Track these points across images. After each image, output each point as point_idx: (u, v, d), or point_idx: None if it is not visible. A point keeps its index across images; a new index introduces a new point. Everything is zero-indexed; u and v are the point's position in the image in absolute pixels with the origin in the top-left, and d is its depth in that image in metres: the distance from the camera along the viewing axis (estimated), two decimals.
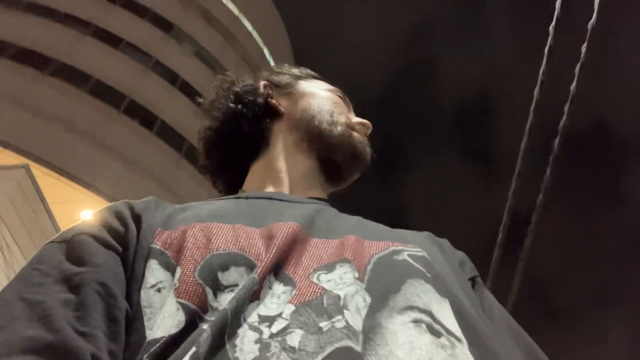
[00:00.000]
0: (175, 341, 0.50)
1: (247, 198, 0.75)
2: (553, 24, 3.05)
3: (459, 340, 0.52)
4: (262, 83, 0.92)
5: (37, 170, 9.49)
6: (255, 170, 0.86)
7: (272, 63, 20.09)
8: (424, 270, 0.59)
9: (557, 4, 2.97)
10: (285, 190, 0.80)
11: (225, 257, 0.56)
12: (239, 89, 0.90)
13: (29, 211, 7.44)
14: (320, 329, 0.48)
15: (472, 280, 0.70)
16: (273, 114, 0.88)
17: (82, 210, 11.49)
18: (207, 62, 16.20)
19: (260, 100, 0.88)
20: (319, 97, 0.90)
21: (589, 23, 2.95)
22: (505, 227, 4.11)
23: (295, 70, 0.96)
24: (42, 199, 7.81)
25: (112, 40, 13.86)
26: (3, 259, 6.42)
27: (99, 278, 0.54)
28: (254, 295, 0.52)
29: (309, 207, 0.71)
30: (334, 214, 0.73)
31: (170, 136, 13.63)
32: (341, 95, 0.93)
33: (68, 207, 10.61)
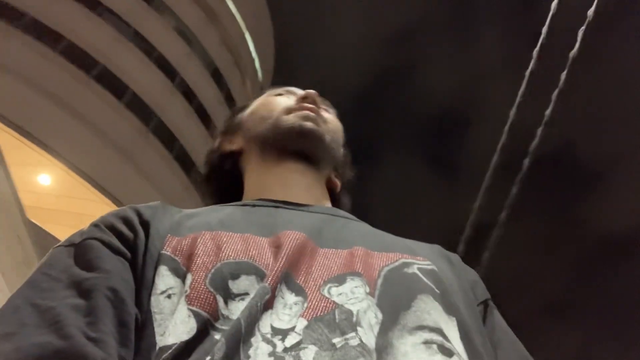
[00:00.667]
0: (187, 348, 0.50)
1: (254, 206, 0.75)
2: (537, 49, 3.13)
3: None
4: (217, 141, 0.95)
5: None
6: (246, 191, 0.87)
7: (252, 48, 19.89)
8: (433, 285, 0.60)
9: (543, 30, 3.06)
10: (289, 197, 0.79)
11: (235, 265, 0.57)
12: (207, 159, 0.95)
13: None
14: (333, 345, 0.49)
15: (484, 303, 0.69)
16: (235, 156, 0.90)
17: (40, 174, 11.16)
18: (186, 38, 15.90)
19: (216, 158, 0.93)
20: (255, 110, 0.91)
21: (571, 52, 3.05)
22: (467, 238, 4.22)
23: (238, 108, 0.98)
24: (1, 158, 7.54)
25: (91, 3, 13.44)
26: None
27: (109, 283, 0.54)
28: (267, 304, 0.53)
29: (316, 216, 0.71)
30: (342, 223, 0.72)
31: (139, 109, 13.34)
32: (281, 92, 0.93)
33: (27, 169, 10.29)
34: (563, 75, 3.08)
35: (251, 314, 0.51)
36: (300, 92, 0.90)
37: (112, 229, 0.61)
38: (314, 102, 0.87)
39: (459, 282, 0.68)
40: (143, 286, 0.57)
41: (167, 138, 14.09)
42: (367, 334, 0.51)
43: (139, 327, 0.54)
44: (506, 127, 3.27)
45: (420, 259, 0.64)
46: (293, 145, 0.83)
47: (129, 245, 0.60)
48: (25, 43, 11.60)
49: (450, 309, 0.58)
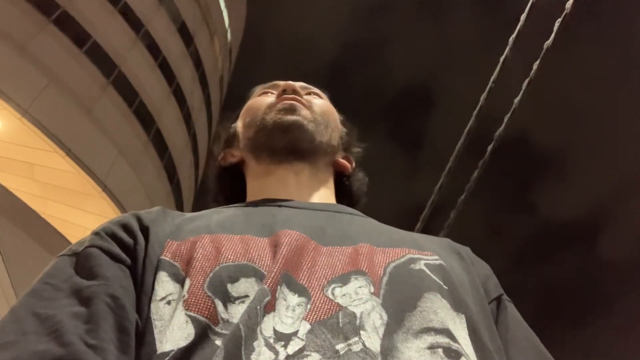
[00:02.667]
0: (185, 354, 0.49)
1: (256, 206, 0.74)
2: (513, 36, 3.13)
3: None
4: (220, 156, 0.93)
5: None
6: (249, 192, 0.86)
7: (222, 6, 19.29)
8: (441, 282, 0.58)
9: (522, 17, 3.05)
10: (290, 196, 0.78)
11: (234, 268, 0.56)
12: (212, 176, 0.94)
13: None
14: (336, 352, 0.48)
15: (497, 299, 0.67)
16: (237, 169, 0.89)
17: None
18: None
19: (221, 172, 0.91)
20: (243, 116, 0.89)
21: (546, 43, 3.06)
22: (425, 218, 4.28)
23: (229, 118, 0.96)
24: None
25: None
26: None
27: (109, 291, 0.54)
28: (269, 306, 0.51)
29: (319, 214, 0.70)
30: (346, 220, 0.71)
31: (100, 58, 12.83)
32: (267, 90, 0.91)
33: None
34: (535, 65, 3.09)
35: (251, 318, 0.50)
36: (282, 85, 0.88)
37: (113, 237, 0.61)
38: (294, 93, 0.84)
39: (469, 277, 0.66)
40: (143, 292, 0.56)
41: (128, 92, 13.64)
42: (372, 337, 0.49)
43: (139, 334, 0.53)
44: (475, 111, 3.27)
45: (428, 254, 0.62)
46: (277, 142, 0.81)
47: (129, 252, 0.60)
48: None
49: (458, 305, 0.57)
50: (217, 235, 0.62)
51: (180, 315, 0.52)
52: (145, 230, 0.63)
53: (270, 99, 0.87)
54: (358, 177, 0.92)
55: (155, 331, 0.53)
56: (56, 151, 11.10)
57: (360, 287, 0.55)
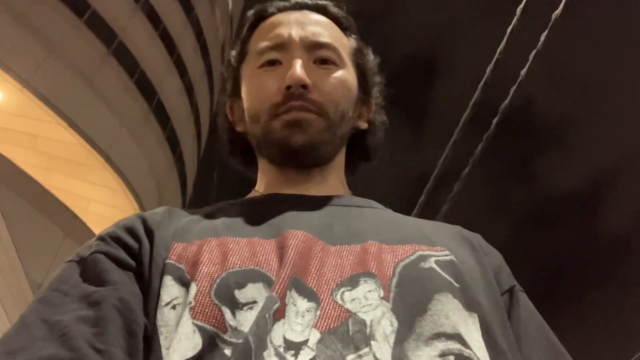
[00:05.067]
0: None
1: (263, 203, 0.72)
2: (521, 6, 3.08)
3: None
4: (227, 109, 0.81)
5: None
6: (260, 174, 0.79)
7: None
8: (452, 279, 0.57)
9: None
10: (296, 191, 0.72)
11: (241, 274, 0.55)
12: (222, 134, 0.84)
13: None
14: None
15: (510, 291, 0.65)
16: (246, 135, 0.78)
17: None
18: None
19: (229, 134, 0.81)
20: (246, 95, 0.76)
21: (554, 12, 3.01)
22: (429, 190, 4.29)
23: (240, 47, 0.81)
24: None
25: None
26: None
27: (118, 295, 0.54)
28: (278, 313, 0.51)
29: (327, 210, 0.68)
30: (355, 214, 0.68)
31: (101, 29, 12.68)
32: (268, 57, 0.74)
33: None
34: (543, 36, 3.05)
35: (259, 328, 0.49)
36: (289, 71, 0.71)
37: (118, 241, 0.60)
38: (303, 88, 0.70)
39: (481, 270, 0.64)
40: (150, 297, 0.56)
41: (129, 62, 13.52)
42: (382, 347, 0.49)
43: (147, 339, 0.53)
44: (481, 84, 3.24)
45: (438, 249, 0.61)
46: (285, 161, 0.73)
47: (135, 257, 0.59)
48: None
49: (470, 304, 0.56)
50: (224, 239, 0.60)
51: (187, 324, 0.51)
52: (150, 234, 0.61)
53: (273, 85, 0.72)
54: (374, 129, 0.81)
55: (161, 337, 0.52)
56: (58, 122, 11.08)
57: (369, 291, 0.54)
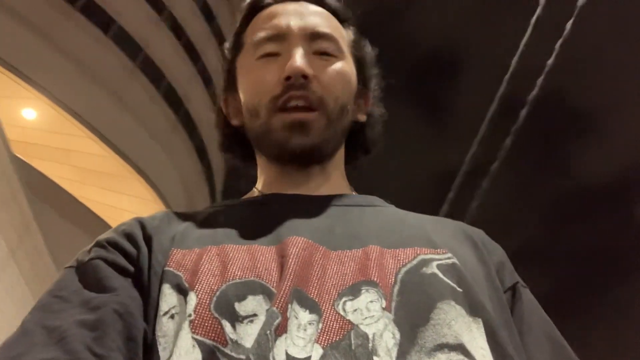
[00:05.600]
0: None
1: (263, 204, 0.70)
2: None
3: None
4: (222, 101, 0.78)
5: None
6: (260, 171, 0.78)
7: None
8: (455, 284, 0.56)
9: None
10: (296, 190, 0.71)
11: (241, 286, 0.54)
12: (217, 127, 0.81)
13: None
14: None
15: (512, 288, 0.64)
16: (242, 130, 0.76)
17: (24, 108, 10.91)
18: None
19: (224, 128, 0.79)
20: (243, 88, 0.73)
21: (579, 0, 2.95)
22: (457, 186, 4.24)
23: (234, 39, 0.78)
24: None
25: None
26: None
27: (117, 300, 0.54)
28: (280, 328, 0.50)
29: (328, 211, 0.66)
30: (357, 214, 0.67)
31: (126, 43, 12.94)
32: (267, 49, 0.72)
33: (10, 102, 10.04)
34: (569, 25, 2.99)
35: (261, 345, 0.49)
36: (289, 61, 0.68)
37: (117, 247, 0.60)
38: (303, 78, 0.67)
39: (485, 269, 0.63)
40: (149, 304, 0.56)
41: (155, 75, 13.75)
42: None
43: (147, 345, 0.53)
44: (507, 76, 3.20)
45: (440, 252, 0.59)
46: (286, 160, 0.71)
47: (134, 263, 0.59)
48: None
49: (474, 309, 0.55)
50: (224, 247, 0.59)
51: (187, 338, 0.50)
52: (148, 239, 0.61)
53: (272, 77, 0.69)
54: (373, 121, 0.79)
55: (160, 348, 0.52)
56: (89, 136, 11.36)
57: (371, 301, 0.53)
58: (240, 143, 0.77)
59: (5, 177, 7.46)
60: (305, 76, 0.67)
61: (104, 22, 12.53)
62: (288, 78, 0.67)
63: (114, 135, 11.76)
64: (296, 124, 0.67)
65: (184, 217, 0.67)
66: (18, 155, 8.54)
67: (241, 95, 0.74)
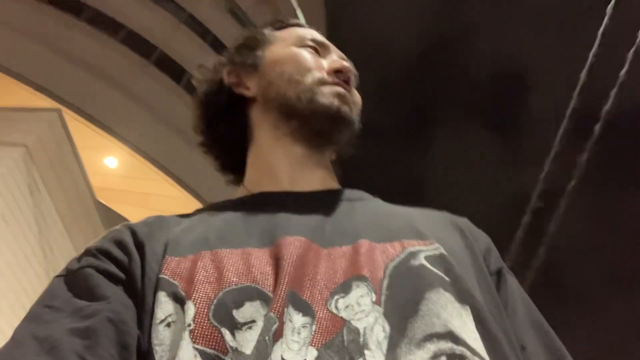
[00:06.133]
0: None
1: (253, 205, 0.70)
2: (612, 4, 2.94)
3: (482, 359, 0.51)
4: (225, 71, 0.82)
5: (68, 114, 9.63)
6: (250, 163, 0.80)
7: (302, 20, 19.71)
8: (443, 274, 0.57)
9: None
10: (286, 184, 0.73)
11: (237, 292, 0.54)
12: (205, 89, 0.84)
13: (58, 153, 7.58)
14: None
15: (497, 273, 0.66)
16: (244, 102, 0.80)
17: (106, 157, 11.66)
18: (239, 19, 16.03)
19: (223, 96, 0.81)
20: (282, 62, 0.78)
21: None
22: (532, 209, 4.07)
23: (262, 33, 0.85)
24: (71, 143, 7.93)
25: None
26: (32, 200, 6.57)
27: (110, 307, 0.54)
28: (277, 334, 0.50)
29: (318, 207, 0.67)
30: (346, 209, 0.68)
31: (194, 90, 13.61)
32: (311, 43, 0.80)
33: (94, 152, 10.78)
34: None
35: (260, 352, 0.49)
36: (334, 57, 0.79)
37: (108, 255, 0.60)
38: (347, 79, 0.77)
39: (472, 256, 0.64)
40: (144, 311, 0.55)
41: None
42: (375, 356, 0.49)
43: (142, 350, 0.53)
44: (576, 91, 3.09)
45: (428, 243, 0.60)
46: (323, 126, 0.75)
47: (125, 271, 0.59)
48: (87, 33, 12.08)
49: (463, 297, 0.56)
50: (217, 251, 0.59)
51: (188, 349, 0.50)
52: (140, 247, 0.60)
53: (319, 64, 0.77)
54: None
55: (157, 357, 0.52)
56: (166, 180, 11.91)
57: (361, 296, 0.54)
58: (233, 116, 0.81)
59: (91, 222, 7.95)
60: (349, 79, 0.77)
61: (177, 73, 13.30)
62: (337, 71, 0.76)
63: (188, 177, 12.28)
64: (346, 96, 0.75)
65: (175, 221, 0.67)
66: (101, 201, 9.10)
67: (274, 69, 0.79)
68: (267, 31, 0.85)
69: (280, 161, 0.75)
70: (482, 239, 0.70)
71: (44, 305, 0.56)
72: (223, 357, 0.50)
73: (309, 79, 0.75)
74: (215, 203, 0.74)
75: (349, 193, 0.74)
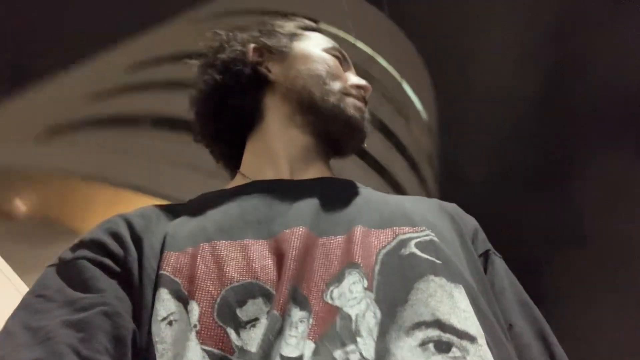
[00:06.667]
0: None
1: (250, 194, 0.69)
2: None
3: (472, 340, 0.51)
4: (251, 47, 0.81)
5: None
6: (251, 148, 0.79)
7: (411, 94, 20.07)
8: (433, 258, 0.57)
9: None
10: (285, 172, 0.73)
11: (239, 289, 0.54)
12: (225, 56, 0.80)
13: None
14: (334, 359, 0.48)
15: (485, 255, 0.67)
16: (263, 83, 0.79)
17: None
18: None
19: (247, 69, 0.79)
20: (312, 60, 0.79)
21: None
22: None
23: (291, 26, 0.85)
24: None
25: None
26: None
27: (104, 300, 0.54)
28: (279, 330, 0.51)
29: (313, 198, 0.66)
30: (339, 197, 0.68)
31: None
32: (338, 54, 0.82)
33: None
34: None
35: (264, 351, 0.49)
36: (353, 73, 0.82)
37: (103, 248, 0.59)
38: (364, 100, 0.80)
39: (461, 240, 0.66)
40: (142, 307, 0.55)
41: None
42: (367, 343, 0.50)
43: (137, 344, 0.53)
44: None
45: (418, 230, 0.61)
46: (339, 131, 0.76)
47: (121, 264, 0.58)
48: None
49: (454, 277, 0.56)
50: (216, 244, 0.58)
51: (196, 350, 0.50)
52: (138, 241, 0.60)
53: (342, 73, 0.80)
54: None
55: (157, 354, 0.51)
56: None
57: (353, 283, 0.54)
58: (248, 92, 0.79)
59: None
60: (365, 98, 0.81)
61: None
62: (360, 87, 0.80)
63: None
64: (365, 112, 0.78)
65: (172, 212, 0.66)
66: None
67: (304, 64, 0.79)
68: (295, 26, 0.86)
69: (285, 149, 0.75)
70: (469, 221, 0.71)
71: (36, 295, 0.55)
72: (229, 357, 0.50)
73: (336, 85, 0.77)
74: (211, 192, 0.73)
75: (342, 181, 0.75)
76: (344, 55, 0.84)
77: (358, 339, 0.50)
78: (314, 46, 0.82)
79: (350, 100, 0.77)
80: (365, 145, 0.80)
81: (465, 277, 0.58)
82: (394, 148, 17.51)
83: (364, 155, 15.96)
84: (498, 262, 0.68)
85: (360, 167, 15.61)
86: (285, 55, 0.80)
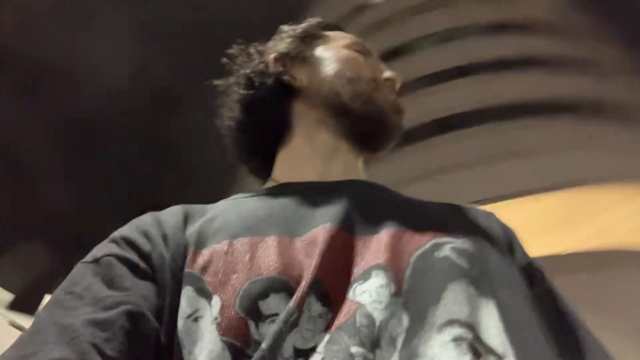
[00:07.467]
0: None
1: (275, 195, 0.69)
2: None
3: (500, 358, 0.49)
4: (272, 57, 0.81)
5: None
6: (282, 158, 0.79)
7: None
8: (468, 267, 0.56)
9: None
10: (316, 175, 0.73)
11: (263, 283, 0.54)
12: (247, 72, 0.80)
13: None
14: (351, 355, 0.48)
15: (527, 268, 0.65)
16: (290, 91, 0.78)
17: None
18: None
19: (270, 80, 0.79)
20: (336, 60, 0.79)
21: None
22: None
23: (309, 28, 0.85)
24: None
25: None
26: None
27: (129, 299, 0.54)
28: (294, 323, 0.51)
29: (344, 198, 0.65)
30: (372, 199, 0.67)
31: None
32: (361, 49, 0.82)
33: None
34: None
35: (276, 342, 0.49)
36: (379, 65, 0.82)
37: (132, 245, 0.60)
38: (396, 88, 0.80)
39: (499, 250, 0.63)
40: (167, 306, 0.56)
41: None
42: (384, 357, 0.48)
43: (161, 344, 0.54)
44: None
45: (454, 236, 0.60)
46: (376, 133, 0.77)
47: (149, 262, 0.58)
48: None
49: (488, 291, 0.54)
50: (242, 240, 0.59)
51: (217, 342, 0.51)
52: (165, 238, 0.60)
53: (368, 67, 0.80)
54: None
55: (184, 352, 0.52)
56: None
57: (380, 286, 0.53)
58: (276, 103, 0.79)
59: None
60: (397, 86, 0.81)
61: None
62: (388, 79, 0.80)
63: None
64: (399, 107, 0.78)
65: (200, 211, 0.67)
66: None
67: (329, 66, 0.79)
68: (312, 27, 0.86)
69: (316, 152, 0.75)
70: (507, 234, 0.69)
71: (67, 292, 0.56)
72: (246, 350, 0.50)
73: (364, 82, 0.77)
74: (241, 194, 0.73)
75: (374, 184, 0.73)
76: (367, 49, 0.84)
77: (377, 351, 0.48)
78: (336, 46, 0.82)
79: (381, 97, 0.77)
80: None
81: (499, 291, 0.55)
82: None
83: None
84: (544, 277, 0.66)
85: None
86: (307, 59, 0.81)
